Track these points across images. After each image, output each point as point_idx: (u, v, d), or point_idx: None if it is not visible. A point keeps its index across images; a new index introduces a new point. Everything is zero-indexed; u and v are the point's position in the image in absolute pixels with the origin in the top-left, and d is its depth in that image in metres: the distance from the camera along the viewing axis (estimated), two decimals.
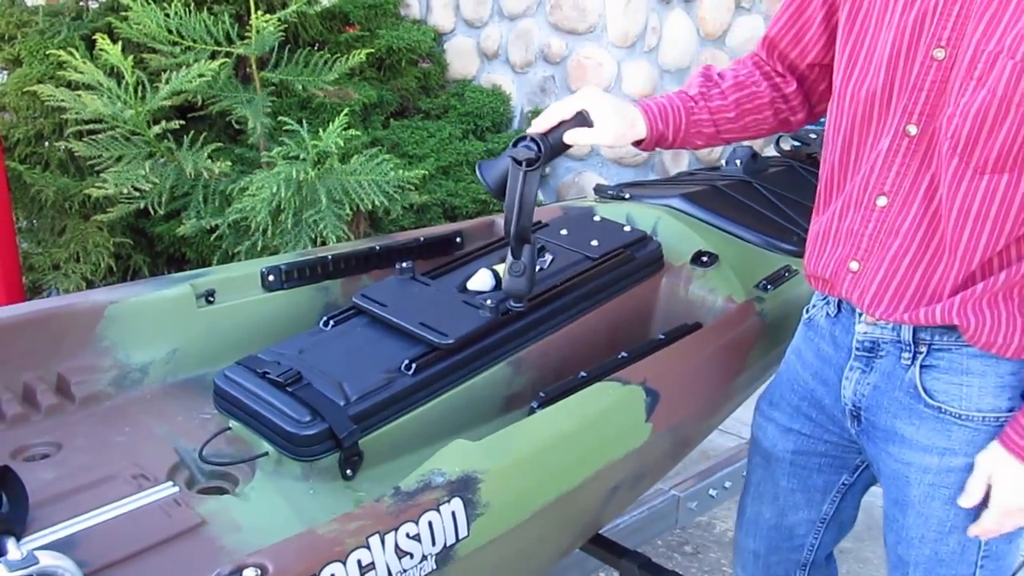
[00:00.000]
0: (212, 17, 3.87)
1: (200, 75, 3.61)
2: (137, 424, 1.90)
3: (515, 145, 1.92)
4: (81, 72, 3.57)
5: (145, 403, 1.98)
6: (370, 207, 3.63)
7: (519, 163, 1.90)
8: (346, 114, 3.60)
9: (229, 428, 1.84)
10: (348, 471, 1.77)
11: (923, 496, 1.70)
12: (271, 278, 2.16)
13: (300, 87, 4.11)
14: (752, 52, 1.95)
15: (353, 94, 4.54)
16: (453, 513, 1.54)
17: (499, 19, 5.89)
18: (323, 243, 3.51)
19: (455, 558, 1.54)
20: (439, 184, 4.72)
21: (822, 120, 1.84)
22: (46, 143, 4.29)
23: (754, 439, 2.03)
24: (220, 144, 3.91)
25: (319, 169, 3.52)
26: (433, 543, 1.51)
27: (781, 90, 1.90)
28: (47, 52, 4.07)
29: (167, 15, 3.77)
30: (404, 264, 2.17)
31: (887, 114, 1.62)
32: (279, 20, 3.76)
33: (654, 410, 1.87)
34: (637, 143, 1.85)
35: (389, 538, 1.46)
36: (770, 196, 2.61)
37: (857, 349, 1.75)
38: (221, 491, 1.75)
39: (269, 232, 3.57)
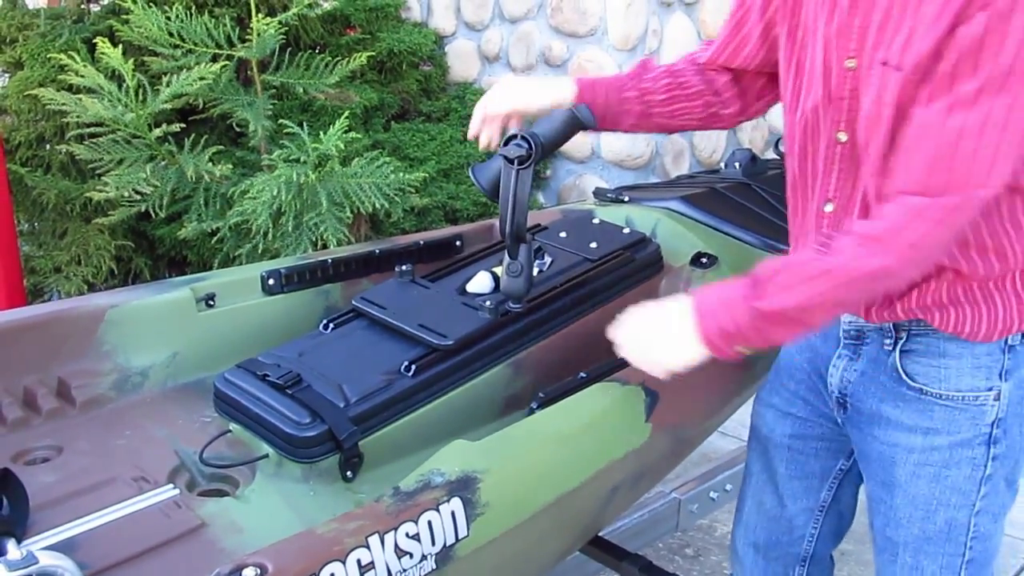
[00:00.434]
0: (213, 20, 3.87)
1: (201, 78, 3.61)
2: (137, 427, 1.91)
3: (506, 144, 1.93)
4: (82, 75, 3.57)
5: (146, 407, 1.99)
6: (371, 210, 3.63)
7: (511, 161, 1.91)
8: (347, 117, 3.60)
9: (229, 431, 1.85)
10: (348, 473, 1.77)
11: (909, 475, 1.76)
12: (271, 282, 2.16)
13: (301, 90, 4.11)
14: (690, 53, 2.02)
15: (354, 97, 4.54)
16: (453, 513, 1.54)
17: (500, 22, 5.90)
18: (324, 246, 3.51)
19: (455, 558, 1.55)
20: (440, 187, 4.72)
21: None
22: (47, 146, 4.29)
23: (753, 428, 2.08)
24: (221, 147, 3.91)
25: (320, 172, 3.52)
26: (433, 543, 1.52)
27: (713, 84, 1.97)
28: (48, 55, 4.07)
29: (168, 18, 3.78)
30: (404, 267, 2.17)
31: (826, 123, 1.68)
32: (280, 23, 3.76)
33: (654, 410, 1.87)
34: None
35: (389, 538, 1.46)
36: (769, 198, 2.61)
37: (844, 337, 1.82)
38: (221, 493, 1.75)
39: (270, 235, 3.57)
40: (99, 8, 4.54)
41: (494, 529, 1.61)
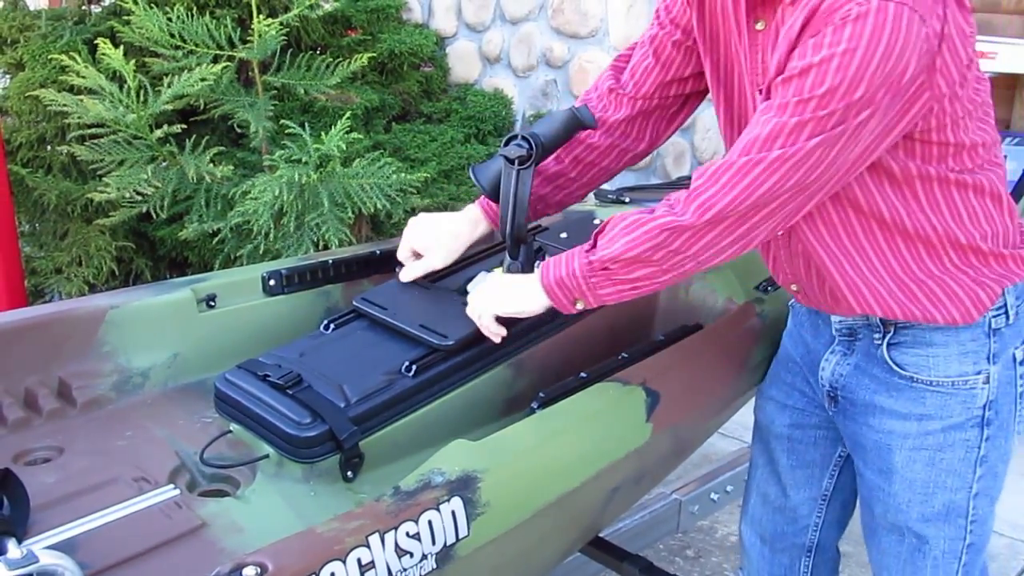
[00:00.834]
0: (214, 21, 3.88)
1: (202, 79, 3.62)
2: (138, 428, 1.91)
3: (506, 144, 1.93)
4: (83, 76, 3.57)
5: (146, 407, 1.99)
6: (372, 210, 3.63)
7: (511, 162, 1.91)
8: (348, 118, 3.60)
9: (230, 431, 1.84)
10: (349, 473, 1.77)
11: (905, 460, 1.82)
12: (272, 282, 2.16)
13: (302, 91, 4.11)
14: (588, 91, 2.09)
15: (355, 98, 4.55)
16: (453, 512, 1.54)
17: (501, 23, 5.90)
18: (325, 246, 3.51)
19: (455, 557, 1.55)
20: (441, 188, 4.73)
21: None
22: (48, 147, 4.29)
23: (755, 421, 2.14)
24: (222, 148, 3.91)
25: (321, 172, 3.52)
26: (433, 542, 1.52)
27: (615, 131, 2.04)
28: (49, 56, 4.07)
29: (169, 19, 3.78)
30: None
31: None
32: (281, 24, 3.76)
33: (654, 411, 1.87)
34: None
35: (389, 537, 1.46)
36: None
37: (838, 335, 1.89)
38: (222, 494, 1.75)
39: (271, 235, 3.58)
40: (100, 9, 4.55)
41: (494, 529, 1.61)
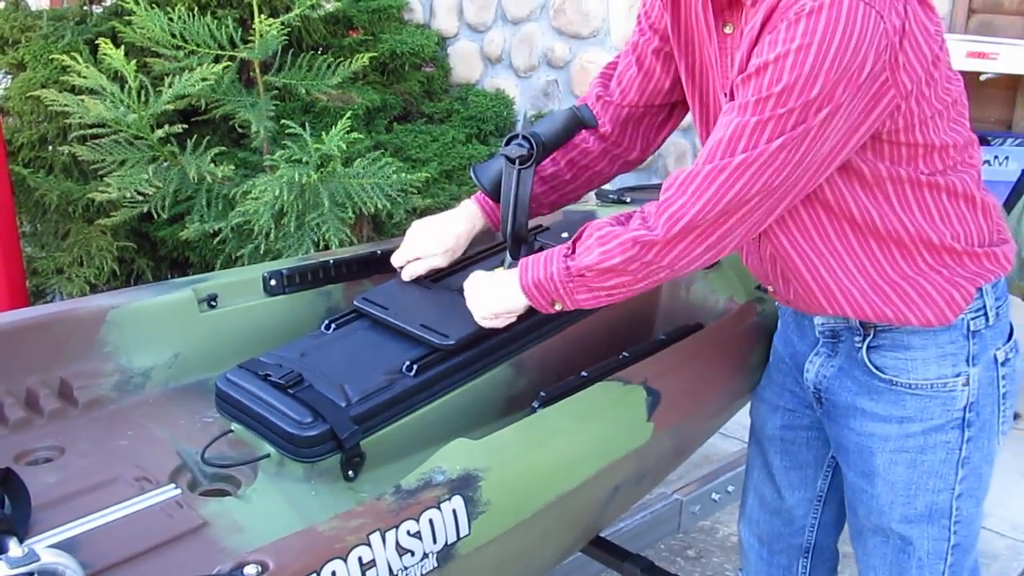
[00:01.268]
0: (215, 21, 3.88)
1: (203, 79, 3.62)
2: (139, 428, 1.91)
3: (507, 144, 1.93)
4: (84, 76, 3.58)
5: (147, 407, 1.98)
6: (373, 211, 3.64)
7: (512, 161, 1.92)
8: (349, 118, 3.61)
9: (231, 431, 1.84)
10: (350, 472, 1.77)
11: (887, 463, 1.82)
12: (273, 282, 2.16)
13: (303, 91, 4.11)
14: (579, 101, 2.10)
15: (356, 98, 4.55)
16: (454, 511, 1.54)
17: (502, 23, 5.90)
18: (326, 246, 3.51)
19: (456, 556, 1.55)
20: (442, 188, 4.73)
21: None
22: (50, 147, 4.30)
23: (751, 424, 2.16)
24: (223, 148, 3.91)
25: (322, 172, 3.53)
26: (434, 541, 1.52)
27: (608, 139, 2.06)
28: (51, 56, 4.08)
29: (170, 19, 3.78)
30: None
31: None
32: (282, 24, 3.76)
33: (655, 410, 1.87)
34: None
35: (390, 536, 1.46)
36: None
37: (821, 336, 1.90)
38: (223, 493, 1.75)
39: (272, 235, 3.58)
40: (101, 9, 4.55)
41: (495, 528, 1.61)
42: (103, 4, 4.60)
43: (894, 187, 1.65)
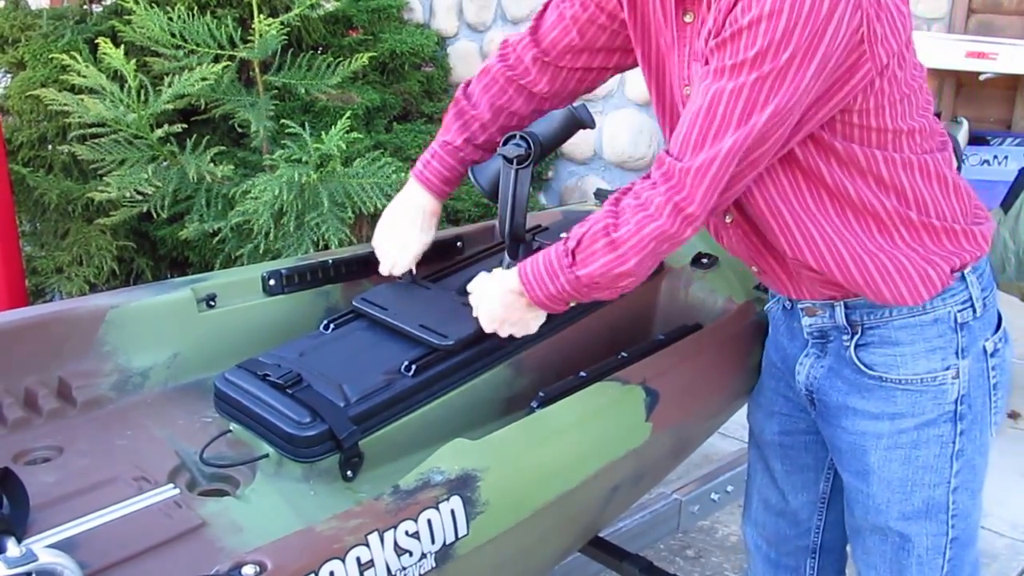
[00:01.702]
0: (215, 21, 3.88)
1: (203, 79, 3.62)
2: (138, 428, 1.91)
3: (505, 144, 1.93)
4: (84, 76, 3.58)
5: (146, 407, 1.98)
6: (372, 210, 3.63)
7: (510, 161, 1.92)
8: (349, 117, 3.60)
9: (230, 431, 1.84)
10: (348, 472, 1.77)
11: (881, 460, 1.82)
12: (272, 282, 2.16)
13: (303, 91, 4.11)
14: (501, 57, 2.06)
15: (356, 98, 4.55)
16: (452, 511, 1.54)
17: (502, 23, 5.90)
18: (325, 246, 3.51)
19: (454, 556, 1.55)
20: None
21: None
22: (49, 147, 4.30)
23: (749, 429, 2.15)
24: (223, 147, 3.91)
25: (321, 172, 3.53)
26: (432, 541, 1.52)
27: (522, 76, 2.03)
28: (50, 56, 4.07)
29: (170, 19, 3.78)
30: None
31: None
32: (282, 24, 3.76)
33: (654, 410, 1.87)
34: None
35: (388, 536, 1.47)
36: None
37: (810, 337, 1.89)
38: (222, 493, 1.75)
39: (271, 235, 3.58)
40: (101, 9, 4.55)
41: (494, 528, 1.61)
42: (103, 3, 4.60)
43: (869, 167, 1.66)
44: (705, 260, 2.34)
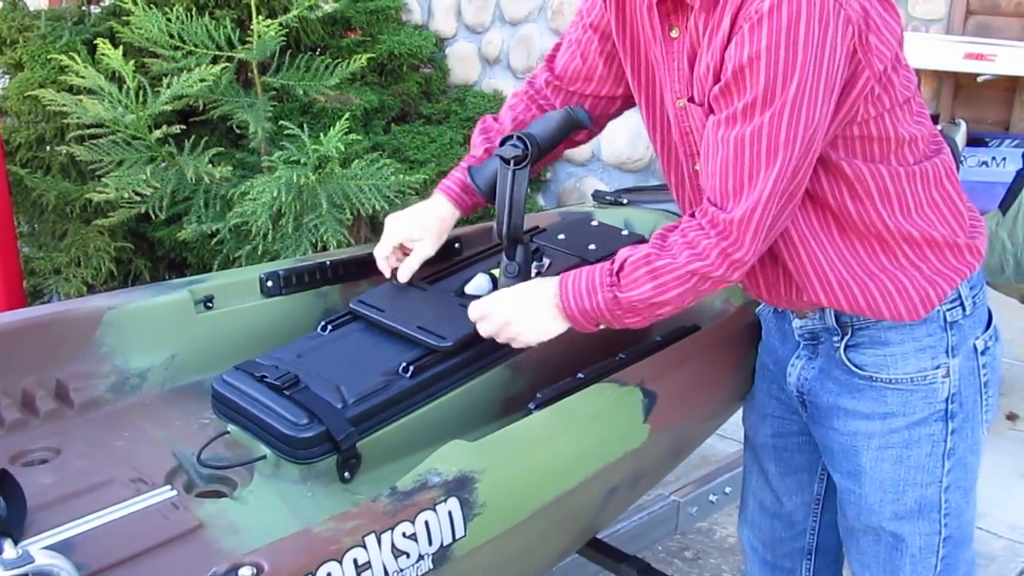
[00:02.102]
0: (214, 22, 3.88)
1: (201, 80, 3.62)
2: (136, 429, 1.91)
3: (502, 145, 1.93)
4: (82, 77, 3.58)
5: (144, 408, 1.98)
6: (371, 212, 3.64)
7: (507, 162, 1.92)
8: (347, 119, 3.61)
9: (227, 432, 1.84)
10: (346, 474, 1.77)
11: (873, 460, 1.82)
12: (270, 284, 2.16)
13: (301, 92, 4.11)
14: (528, 82, 2.12)
15: (354, 99, 4.55)
16: (450, 513, 1.54)
17: (501, 24, 5.90)
18: (324, 248, 3.51)
19: (452, 558, 1.55)
20: None
21: None
22: (47, 147, 4.30)
23: (744, 432, 2.16)
24: (221, 149, 3.91)
25: (320, 174, 3.53)
26: (430, 543, 1.52)
27: (543, 103, 2.08)
28: (49, 56, 4.08)
29: (169, 20, 3.79)
30: None
31: (681, 153, 1.83)
32: (280, 25, 3.77)
33: (651, 411, 1.87)
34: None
35: (385, 537, 1.46)
36: None
37: (801, 339, 1.90)
38: (219, 495, 1.75)
39: (270, 236, 3.58)
40: (100, 10, 4.56)
41: (491, 529, 1.61)
42: (101, 4, 4.61)
43: (875, 183, 1.66)
44: None
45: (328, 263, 2.23)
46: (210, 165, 3.71)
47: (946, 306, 1.75)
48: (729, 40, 1.54)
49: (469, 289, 2.11)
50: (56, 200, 4.07)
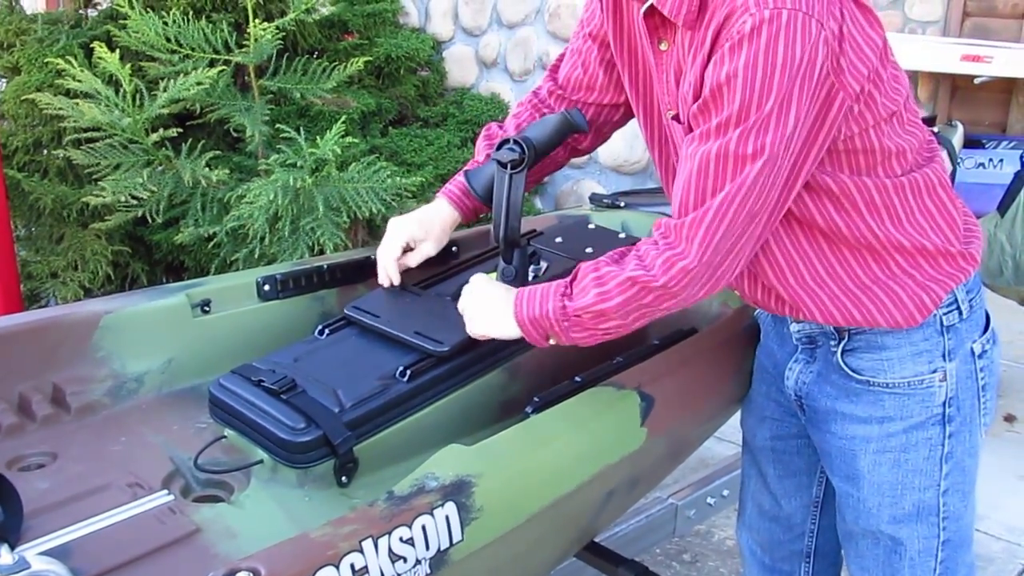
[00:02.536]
0: (210, 25, 3.88)
1: (198, 83, 3.62)
2: (132, 434, 1.90)
3: (499, 148, 1.94)
4: (79, 80, 3.58)
5: (141, 413, 1.98)
6: (368, 215, 3.63)
7: (504, 166, 1.92)
8: (344, 122, 3.61)
9: (224, 436, 1.84)
10: (343, 478, 1.77)
11: (871, 464, 1.83)
12: (267, 288, 2.16)
13: (298, 95, 4.11)
14: (533, 91, 2.14)
15: (351, 102, 4.55)
16: (447, 517, 1.54)
17: (498, 27, 5.91)
18: (321, 251, 3.51)
19: (449, 562, 1.54)
20: (437, 192, 4.73)
21: None
22: (44, 151, 4.30)
23: (742, 435, 2.17)
24: (218, 152, 3.91)
25: (317, 177, 3.52)
26: (427, 547, 1.51)
27: (547, 111, 2.09)
28: (45, 60, 4.08)
29: (165, 23, 3.78)
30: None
31: (674, 166, 1.81)
32: (277, 28, 3.76)
33: (649, 415, 1.87)
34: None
35: (382, 542, 1.46)
36: None
37: (799, 343, 1.91)
38: (216, 499, 1.75)
39: (267, 240, 3.57)
40: (96, 13, 4.55)
41: (488, 533, 1.60)
42: (98, 8, 4.60)
43: (862, 196, 1.67)
44: None
45: (325, 267, 2.23)
46: (207, 168, 3.71)
47: (943, 310, 1.75)
48: (709, 59, 1.55)
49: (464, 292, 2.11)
50: (53, 204, 4.06)
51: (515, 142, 1.93)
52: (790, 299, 1.76)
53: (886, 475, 1.82)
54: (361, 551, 1.44)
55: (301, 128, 3.64)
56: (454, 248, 2.34)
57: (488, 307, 1.83)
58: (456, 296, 2.09)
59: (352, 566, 1.42)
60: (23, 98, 4.12)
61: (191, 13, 3.94)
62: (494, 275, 2.04)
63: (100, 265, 4.05)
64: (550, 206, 5.97)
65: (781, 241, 1.73)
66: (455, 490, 1.56)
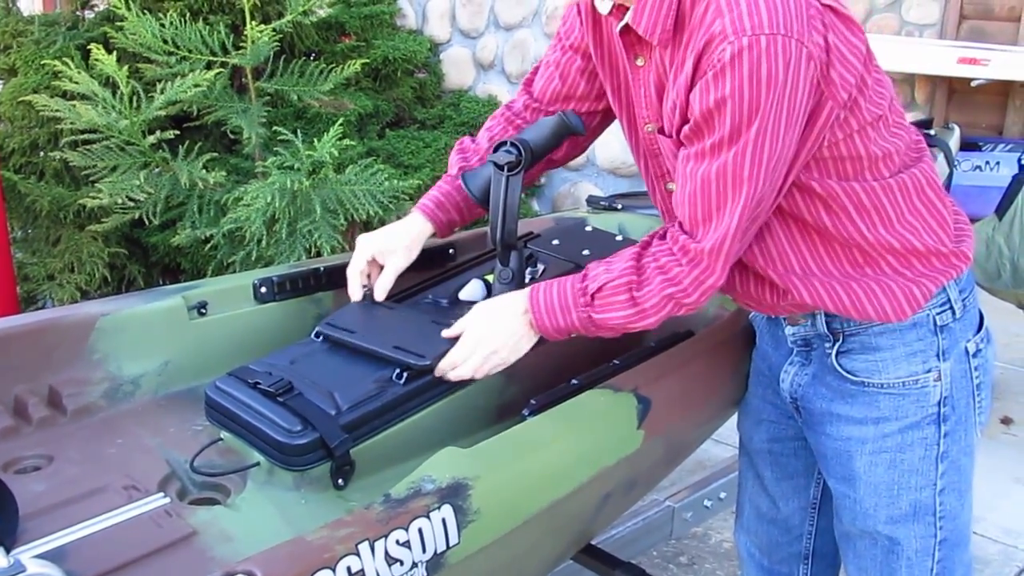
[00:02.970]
0: (207, 27, 3.88)
1: (195, 85, 3.62)
2: (129, 436, 1.90)
3: (495, 151, 1.93)
4: (76, 82, 3.58)
5: (137, 415, 1.98)
6: (365, 217, 3.63)
7: (500, 168, 1.92)
8: (341, 124, 3.61)
9: (220, 439, 1.84)
10: (340, 480, 1.76)
11: (867, 465, 1.83)
12: (263, 290, 2.15)
13: (295, 97, 4.11)
14: (506, 105, 2.15)
15: (348, 104, 4.55)
16: (443, 520, 1.54)
17: (495, 29, 5.91)
18: (318, 253, 3.51)
19: (446, 565, 1.54)
20: None
21: None
22: (41, 153, 4.30)
23: (739, 438, 2.17)
24: (215, 154, 3.91)
25: (314, 179, 3.52)
26: (423, 550, 1.51)
27: (521, 123, 2.11)
28: (42, 62, 4.08)
29: (162, 25, 3.78)
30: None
31: (656, 172, 1.88)
32: (274, 30, 3.76)
33: (646, 417, 1.87)
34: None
35: (379, 545, 1.46)
36: None
37: (794, 345, 1.92)
38: (212, 502, 1.74)
39: (264, 242, 3.57)
40: (93, 15, 4.55)
41: (485, 536, 1.60)
42: (95, 9, 4.60)
43: (851, 200, 1.69)
44: None
45: (322, 269, 2.22)
46: (204, 170, 3.71)
47: (936, 309, 1.75)
48: (693, 83, 1.57)
49: (463, 295, 2.11)
50: (50, 206, 4.06)
51: (512, 144, 1.93)
52: (782, 283, 1.77)
53: (882, 475, 1.82)
54: (358, 554, 1.44)
55: (298, 130, 3.64)
56: (451, 250, 2.34)
57: (504, 327, 1.82)
58: (453, 300, 2.09)
59: (349, 569, 1.42)
60: (20, 100, 4.12)
61: (188, 15, 3.94)
62: (491, 278, 2.03)
63: (97, 267, 4.05)
64: (547, 208, 5.97)
65: (774, 232, 1.74)
66: (452, 493, 1.56)
